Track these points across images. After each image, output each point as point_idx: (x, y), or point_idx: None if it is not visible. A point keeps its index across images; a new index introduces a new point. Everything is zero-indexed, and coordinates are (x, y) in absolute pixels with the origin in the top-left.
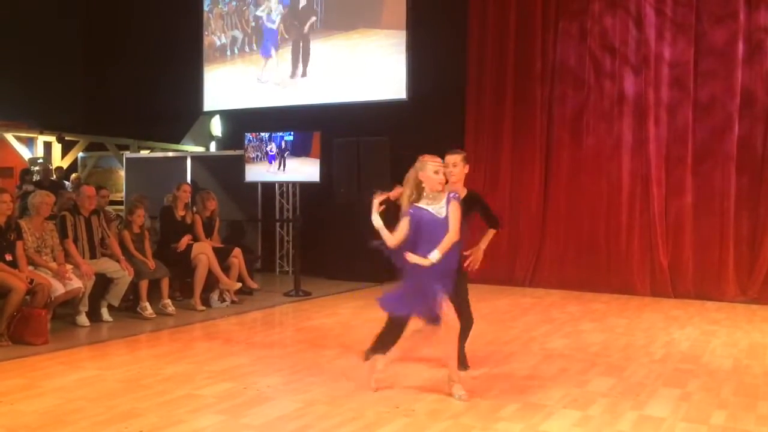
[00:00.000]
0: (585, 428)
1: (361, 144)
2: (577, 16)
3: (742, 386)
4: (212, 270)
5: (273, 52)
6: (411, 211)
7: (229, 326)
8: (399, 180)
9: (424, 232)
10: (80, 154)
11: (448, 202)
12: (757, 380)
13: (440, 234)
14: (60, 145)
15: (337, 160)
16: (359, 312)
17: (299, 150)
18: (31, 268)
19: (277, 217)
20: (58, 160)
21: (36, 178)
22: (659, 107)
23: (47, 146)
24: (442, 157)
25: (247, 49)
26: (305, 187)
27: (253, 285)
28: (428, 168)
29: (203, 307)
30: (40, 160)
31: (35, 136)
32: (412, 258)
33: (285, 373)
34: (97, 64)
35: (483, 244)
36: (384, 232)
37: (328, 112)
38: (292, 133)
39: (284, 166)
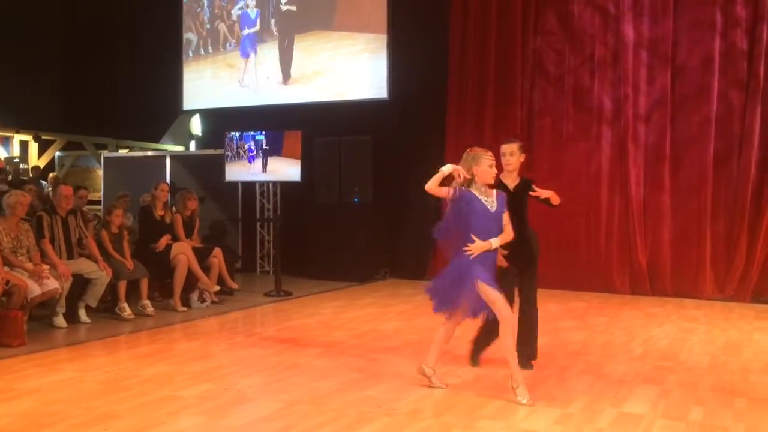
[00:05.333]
0: (565, 426)
1: (342, 143)
2: (557, 12)
3: (719, 383)
4: (192, 270)
5: (252, 53)
6: (464, 192)
7: (210, 327)
8: (382, 179)
9: (478, 223)
10: (57, 153)
11: (502, 200)
12: (734, 377)
13: (493, 227)
14: (36, 144)
15: (318, 159)
16: (340, 312)
17: (271, 149)
18: (6, 268)
19: (258, 216)
20: (35, 160)
21: (10, 177)
22: (638, 106)
23: (24, 145)
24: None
25: (201, 52)
26: (286, 186)
27: (234, 285)
28: (483, 162)
29: (183, 308)
30: (16, 160)
31: (11, 135)
32: (476, 245)
33: (266, 374)
34: (74, 62)
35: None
36: (436, 177)
37: (310, 111)
38: (262, 132)
39: (266, 166)
